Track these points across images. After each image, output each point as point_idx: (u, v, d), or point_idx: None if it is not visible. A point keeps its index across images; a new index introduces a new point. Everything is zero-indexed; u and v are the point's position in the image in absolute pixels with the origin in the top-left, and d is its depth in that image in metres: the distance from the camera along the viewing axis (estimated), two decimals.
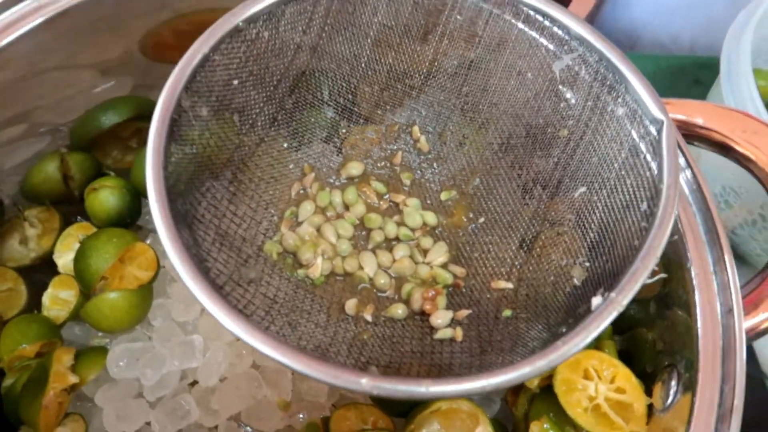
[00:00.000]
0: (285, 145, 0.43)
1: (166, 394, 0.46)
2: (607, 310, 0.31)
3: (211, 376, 0.46)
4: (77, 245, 0.48)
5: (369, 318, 0.38)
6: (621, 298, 0.31)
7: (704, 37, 0.77)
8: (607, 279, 0.35)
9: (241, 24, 0.38)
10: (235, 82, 0.39)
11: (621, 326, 0.45)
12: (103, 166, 0.54)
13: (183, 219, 0.34)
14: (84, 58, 0.51)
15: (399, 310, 0.39)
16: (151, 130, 0.33)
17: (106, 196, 0.49)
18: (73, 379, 0.43)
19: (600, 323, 0.30)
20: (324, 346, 0.35)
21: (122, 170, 0.54)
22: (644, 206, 0.36)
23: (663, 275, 0.39)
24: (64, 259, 0.49)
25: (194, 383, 0.47)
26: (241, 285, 0.35)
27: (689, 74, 0.82)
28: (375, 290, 0.40)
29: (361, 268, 0.40)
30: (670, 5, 0.61)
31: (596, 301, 0.32)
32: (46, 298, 0.48)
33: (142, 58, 0.54)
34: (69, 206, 0.52)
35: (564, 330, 0.33)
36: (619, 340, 0.45)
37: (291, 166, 0.43)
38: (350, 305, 0.38)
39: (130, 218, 0.51)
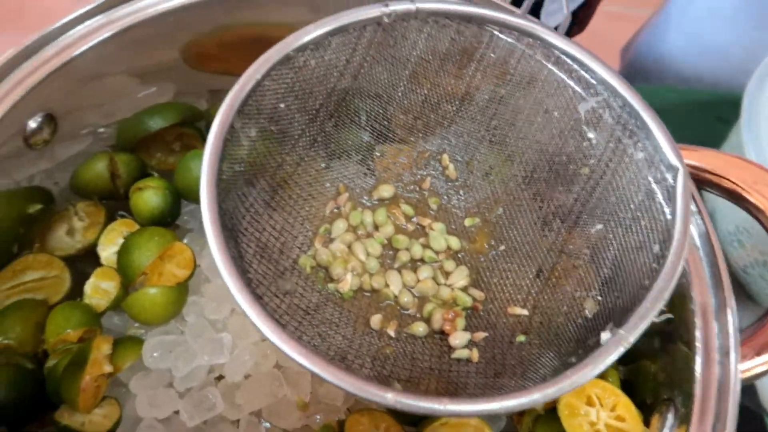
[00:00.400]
0: (323, 165, 0.46)
1: (195, 386, 0.48)
2: (615, 345, 0.33)
3: (237, 373, 0.48)
4: (120, 240, 0.51)
5: (392, 333, 0.41)
6: (629, 335, 0.33)
7: (726, 81, 0.79)
8: (616, 314, 0.37)
9: (291, 52, 0.41)
10: (282, 105, 0.42)
11: (625, 357, 0.47)
12: (148, 167, 0.57)
13: (230, 232, 0.37)
14: (132, 67, 0.55)
15: (420, 328, 0.42)
16: (206, 149, 0.36)
17: (150, 196, 0.52)
18: (107, 368, 0.47)
19: (608, 357, 0.33)
20: (350, 357, 0.38)
21: (164, 171, 0.57)
22: (656, 248, 0.38)
23: (669, 316, 0.41)
24: (107, 251, 0.52)
25: (220, 378, 0.50)
26: (277, 296, 0.38)
27: (712, 110, 0.84)
28: (399, 307, 0.43)
29: (387, 285, 0.43)
30: (697, 45, 0.63)
31: (605, 335, 0.34)
32: (88, 287, 0.50)
33: (183, 67, 0.57)
34: (114, 202, 0.55)
35: (574, 360, 0.36)
36: (623, 370, 0.48)
37: (327, 185, 0.46)
38: (375, 320, 0.41)
39: (171, 218, 0.53)
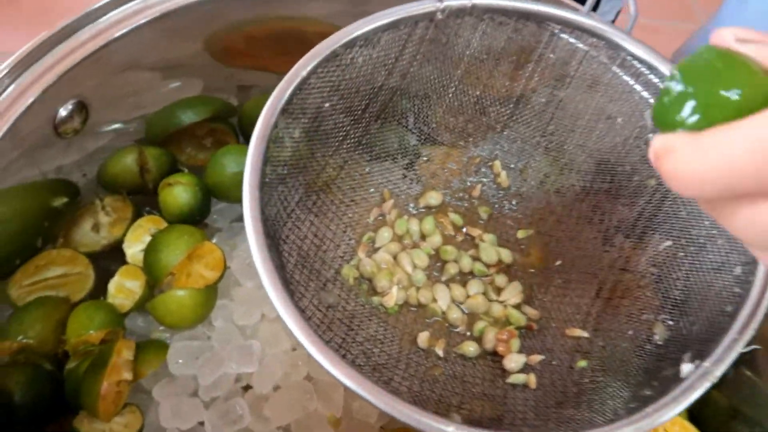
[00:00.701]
0: (367, 169, 0.43)
1: (221, 395, 0.46)
2: (700, 380, 0.30)
3: (265, 383, 0.46)
4: (147, 237, 0.49)
5: (440, 353, 0.38)
6: (715, 369, 0.30)
7: None
8: (693, 343, 0.34)
9: (339, 48, 0.38)
10: (327, 105, 0.39)
11: None
12: (178, 162, 0.54)
13: (272, 240, 0.34)
14: (163, 58, 0.52)
15: (471, 348, 0.38)
16: (249, 150, 0.33)
17: (179, 192, 0.49)
18: (127, 375, 0.44)
19: (692, 393, 0.29)
20: (396, 379, 0.35)
21: (195, 167, 0.54)
22: (737, 271, 0.35)
23: (756, 347, 0.38)
24: (133, 249, 0.50)
25: (248, 388, 0.47)
26: (320, 309, 0.35)
27: None
28: (447, 324, 0.40)
29: (434, 300, 0.40)
30: None
31: (687, 368, 0.31)
32: (112, 286, 0.48)
33: (211, 61, 0.54)
34: (142, 197, 0.53)
35: (648, 393, 0.32)
36: None
37: (371, 191, 0.43)
38: (423, 338, 0.38)
39: (200, 216, 0.51)
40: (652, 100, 0.41)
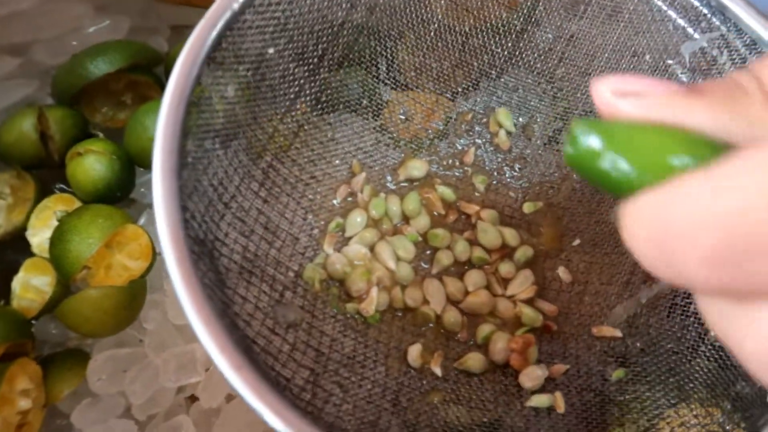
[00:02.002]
0: (329, 134, 0.33)
1: (159, 412, 0.38)
2: None
3: (214, 395, 0.38)
4: (55, 221, 0.39)
5: (438, 372, 0.29)
6: None
7: None
8: None
9: None
10: (271, 50, 0.29)
11: None
12: (90, 125, 0.44)
13: (202, 245, 0.24)
14: None
15: (476, 361, 0.30)
16: (159, 120, 0.23)
17: (92, 164, 0.40)
18: (24, 404, 0.35)
19: None
20: (385, 418, 0.26)
21: (113, 131, 0.45)
22: None
23: None
24: (40, 237, 0.40)
25: (193, 398, 0.39)
26: (277, 333, 0.26)
27: None
28: (443, 332, 0.31)
29: (425, 302, 0.31)
30: None
31: None
32: (17, 284, 0.39)
33: None
34: (47, 172, 0.43)
35: (720, 419, 0.24)
36: None
37: (336, 163, 0.33)
38: (414, 353, 0.30)
39: (121, 191, 0.41)
40: (690, 30, 0.32)
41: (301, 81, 0.32)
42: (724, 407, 0.25)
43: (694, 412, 0.26)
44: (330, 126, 0.33)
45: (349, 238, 0.32)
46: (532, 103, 0.35)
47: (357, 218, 0.32)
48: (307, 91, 0.32)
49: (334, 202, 0.33)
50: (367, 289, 0.30)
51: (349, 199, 0.33)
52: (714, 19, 0.32)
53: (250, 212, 0.29)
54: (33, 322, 0.39)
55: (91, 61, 0.41)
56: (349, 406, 0.26)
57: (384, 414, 0.26)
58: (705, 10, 0.32)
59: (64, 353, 0.39)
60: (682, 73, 0.33)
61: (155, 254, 0.39)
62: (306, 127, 0.33)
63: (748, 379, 0.25)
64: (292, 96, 0.31)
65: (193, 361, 0.38)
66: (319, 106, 0.33)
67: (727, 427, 0.24)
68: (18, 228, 0.41)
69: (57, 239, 0.37)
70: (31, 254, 0.40)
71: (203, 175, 0.26)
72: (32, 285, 0.39)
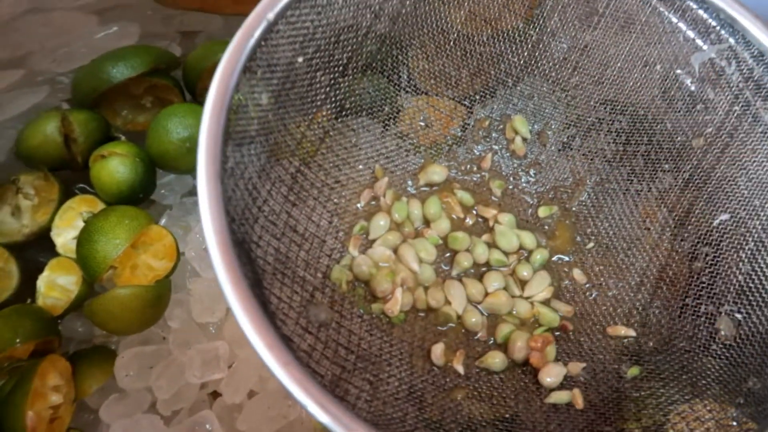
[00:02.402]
0: (353, 140, 0.34)
1: (184, 407, 0.39)
2: None
3: (237, 391, 0.38)
4: (79, 222, 0.40)
5: (460, 369, 0.30)
6: None
7: None
8: None
9: None
10: (300, 59, 0.30)
11: None
12: (112, 128, 0.45)
13: (241, 247, 0.25)
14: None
15: (497, 359, 0.31)
16: (202, 128, 0.24)
17: (115, 166, 0.40)
18: (55, 399, 0.35)
19: None
20: (412, 413, 0.27)
21: (133, 134, 0.46)
22: None
23: None
24: (64, 237, 0.41)
25: (216, 395, 0.40)
26: (310, 332, 0.27)
27: None
28: (464, 331, 0.33)
29: (447, 302, 0.32)
30: None
31: None
32: (42, 283, 0.40)
33: (146, 2, 0.46)
34: (70, 173, 0.43)
35: (734, 413, 0.26)
36: None
37: (360, 168, 0.34)
38: (437, 352, 0.31)
39: (144, 192, 0.42)
40: (700, 42, 0.34)
41: (327, 88, 0.33)
42: (738, 402, 0.26)
43: (708, 407, 0.27)
44: (354, 132, 0.34)
45: (373, 241, 0.33)
46: (546, 110, 0.37)
47: (380, 221, 0.33)
48: (333, 98, 0.33)
49: (358, 205, 0.34)
50: (391, 290, 0.32)
51: (373, 202, 0.34)
52: (723, 32, 0.33)
53: (280, 215, 0.30)
54: (59, 320, 0.40)
55: (112, 66, 0.42)
56: (378, 402, 0.27)
57: (411, 410, 0.27)
58: (714, 23, 0.33)
59: (92, 350, 0.40)
60: (691, 83, 0.34)
61: (179, 254, 0.40)
62: (331, 133, 0.34)
63: (759, 375, 0.26)
64: (318, 103, 0.33)
65: (216, 357, 0.39)
66: (343, 113, 0.34)
67: (741, 422, 0.25)
68: (43, 228, 0.41)
69: (84, 240, 0.38)
70: (56, 254, 0.41)
71: (240, 180, 0.27)
72: (57, 284, 0.40)
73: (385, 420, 0.26)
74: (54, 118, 0.42)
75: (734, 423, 0.25)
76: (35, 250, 0.42)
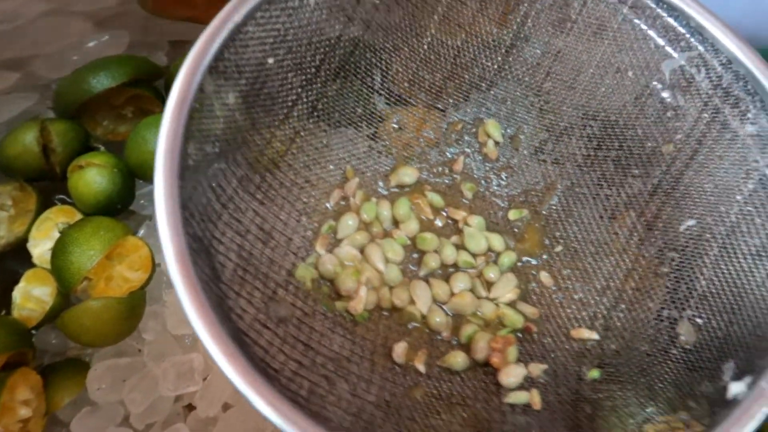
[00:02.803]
0: (324, 141, 0.35)
1: (157, 420, 0.38)
2: (756, 403, 0.23)
3: (212, 404, 0.38)
4: (56, 233, 0.40)
5: (421, 369, 0.31)
6: None
7: (750, 22, 0.67)
8: (737, 350, 0.27)
9: None
10: (270, 60, 0.31)
11: None
12: (92, 138, 0.45)
13: (200, 242, 0.26)
14: (77, 4, 0.43)
15: (458, 359, 0.31)
16: (163, 124, 0.25)
17: (93, 177, 0.41)
18: (24, 413, 0.35)
19: (748, 421, 0.23)
20: (368, 410, 0.28)
21: (114, 144, 0.46)
22: None
23: None
24: (41, 248, 0.41)
25: (191, 407, 0.39)
26: (268, 327, 0.28)
27: None
28: (428, 331, 0.33)
29: (412, 302, 0.33)
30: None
31: (736, 388, 0.25)
32: (18, 294, 0.40)
33: (140, 11, 0.46)
34: (48, 184, 0.43)
35: (684, 417, 0.26)
36: None
37: (331, 168, 0.35)
38: (399, 351, 0.31)
39: (121, 203, 0.42)
40: (670, 50, 0.34)
41: (299, 90, 0.33)
42: (689, 405, 0.26)
43: (661, 411, 0.27)
44: (325, 133, 0.35)
45: (341, 240, 0.34)
46: (519, 114, 0.37)
47: (349, 221, 0.34)
48: (304, 100, 0.34)
49: (328, 205, 0.34)
50: (356, 289, 0.32)
51: (342, 202, 0.35)
52: (693, 39, 0.33)
53: (246, 213, 0.30)
54: (33, 331, 0.39)
55: (93, 76, 0.42)
56: (334, 398, 0.27)
57: (367, 406, 0.28)
58: (684, 31, 0.33)
59: (64, 363, 0.40)
60: (662, 90, 0.35)
61: (155, 266, 0.40)
62: (302, 134, 0.34)
63: (712, 380, 0.27)
64: (289, 104, 0.33)
65: (191, 370, 0.39)
66: (315, 114, 0.35)
67: (689, 424, 0.25)
68: (19, 239, 0.41)
69: (59, 251, 0.38)
70: (32, 265, 0.41)
71: (203, 177, 0.27)
72: (33, 295, 0.40)
73: (339, 415, 0.26)
74: (33, 128, 0.41)
75: (683, 426, 0.25)
76: (12, 261, 0.42)
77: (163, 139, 0.25)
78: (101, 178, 0.40)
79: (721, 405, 0.24)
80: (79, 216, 0.41)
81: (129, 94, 0.45)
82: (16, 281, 0.40)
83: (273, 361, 0.26)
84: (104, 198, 0.40)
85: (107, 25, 0.47)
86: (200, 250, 0.26)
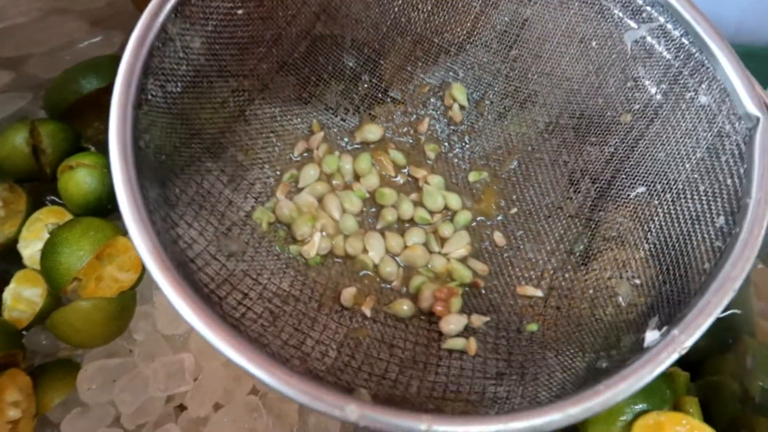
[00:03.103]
0: (293, 95, 0.36)
1: (149, 421, 0.39)
2: (665, 350, 0.24)
3: (202, 404, 0.38)
4: (47, 234, 0.40)
5: (368, 313, 0.32)
6: (684, 338, 0.24)
7: (752, 21, 0.67)
8: (663, 306, 0.28)
9: None
10: (240, 11, 0.32)
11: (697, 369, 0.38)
12: (83, 138, 0.45)
13: (153, 171, 0.27)
14: (72, 4, 0.44)
15: (404, 306, 0.33)
16: (123, 60, 0.27)
17: (83, 177, 0.40)
18: (13, 414, 0.35)
19: (655, 367, 0.24)
20: (309, 343, 0.29)
21: (104, 144, 0.45)
22: (720, 221, 0.29)
23: (735, 311, 0.33)
24: (31, 249, 0.41)
25: (182, 407, 0.39)
26: (217, 259, 0.29)
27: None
28: (379, 279, 0.34)
29: (365, 251, 0.34)
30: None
31: (651, 336, 0.25)
32: (8, 295, 0.40)
33: (134, 11, 0.46)
34: (38, 184, 0.44)
35: (604, 365, 0.27)
36: (693, 388, 0.37)
37: (297, 121, 0.36)
38: (347, 295, 0.32)
39: (111, 204, 0.42)
40: (632, 23, 0.35)
41: (270, 43, 0.35)
42: (611, 355, 0.27)
43: (586, 361, 0.28)
44: (294, 87, 0.36)
45: (302, 189, 0.35)
46: (486, 79, 0.38)
47: (310, 171, 0.35)
48: (275, 54, 0.35)
49: (292, 156, 0.36)
50: (310, 234, 0.33)
51: (306, 154, 0.36)
52: (653, 11, 0.34)
53: (206, 154, 0.32)
54: (24, 332, 0.39)
55: (83, 77, 0.42)
56: (275, 329, 0.29)
57: (308, 340, 0.29)
58: (645, 4, 0.34)
59: (55, 363, 0.40)
60: (623, 60, 0.35)
61: (145, 267, 0.40)
62: (271, 86, 0.36)
63: (636, 332, 0.28)
64: (259, 56, 0.35)
65: (181, 370, 0.39)
66: (285, 69, 0.36)
67: (605, 365, 0.26)
68: (9, 240, 0.41)
69: (48, 252, 0.37)
70: (22, 266, 0.41)
71: (164, 113, 0.29)
72: (23, 296, 0.40)
73: (278, 345, 0.28)
74: (22, 129, 0.41)
75: (602, 372, 0.26)
76: (2, 262, 0.42)
77: (121, 72, 0.26)
78: (91, 178, 0.40)
79: (638, 353, 0.25)
80: (69, 216, 0.41)
81: None
82: (7, 282, 0.40)
83: (218, 289, 0.28)
84: (94, 198, 0.41)
85: (101, 25, 0.47)
86: (154, 180, 0.27)
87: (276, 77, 0.36)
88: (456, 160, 0.38)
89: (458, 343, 0.31)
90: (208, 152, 0.32)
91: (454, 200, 0.36)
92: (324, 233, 0.34)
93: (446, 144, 0.38)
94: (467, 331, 0.32)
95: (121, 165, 0.25)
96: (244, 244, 0.31)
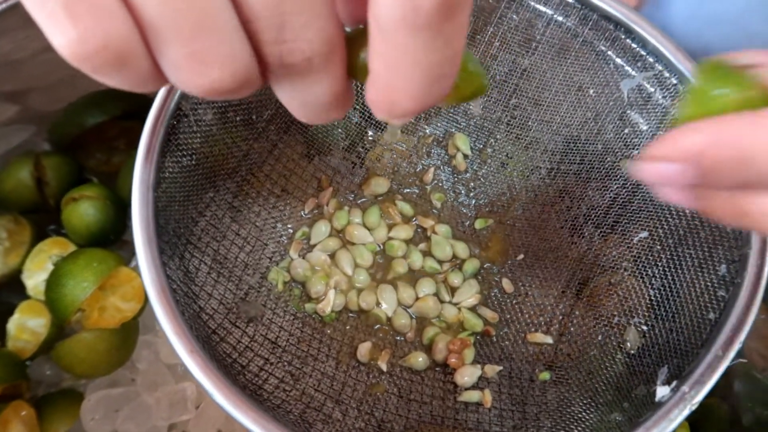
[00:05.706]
0: (301, 152, 0.37)
1: None
2: (677, 407, 0.25)
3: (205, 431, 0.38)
4: (50, 264, 0.40)
5: (384, 367, 0.33)
6: (694, 394, 0.25)
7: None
8: (672, 356, 0.29)
9: None
10: None
11: None
12: (86, 170, 0.46)
13: (174, 246, 0.28)
14: None
15: (419, 359, 0.34)
16: (142, 138, 0.27)
17: (86, 209, 0.41)
18: None
19: (668, 424, 0.25)
20: (329, 405, 0.30)
21: (106, 175, 0.46)
22: (722, 270, 0.30)
23: (743, 360, 0.34)
24: (35, 279, 0.41)
25: None
26: (238, 326, 0.30)
27: None
28: (392, 332, 0.35)
29: (378, 304, 0.35)
30: (703, 14, 0.53)
31: (662, 391, 0.26)
32: (12, 326, 0.40)
33: None
34: (42, 216, 0.44)
35: (618, 418, 0.28)
36: None
37: (306, 177, 0.37)
38: (363, 350, 0.33)
39: (114, 234, 0.43)
40: (628, 69, 0.36)
41: (277, 104, 0.36)
42: (623, 407, 0.28)
43: (600, 412, 0.29)
44: (302, 144, 0.37)
45: (314, 246, 0.36)
46: (487, 128, 0.39)
47: (322, 228, 0.36)
48: (282, 113, 0.36)
49: (302, 213, 0.37)
50: (325, 291, 0.34)
51: (316, 210, 0.37)
52: (649, 60, 0.35)
53: (223, 219, 0.33)
54: (28, 363, 0.40)
55: (86, 110, 0.43)
56: (297, 392, 0.29)
57: (328, 401, 0.30)
58: (642, 52, 0.35)
59: (58, 394, 0.40)
60: (621, 107, 0.36)
61: (147, 297, 0.40)
62: (280, 145, 0.37)
63: (647, 383, 0.28)
64: (267, 117, 0.36)
65: (184, 399, 0.39)
66: (293, 127, 0.37)
67: (619, 424, 0.27)
68: (14, 271, 0.42)
69: (53, 283, 0.38)
70: (26, 296, 0.41)
71: (181, 187, 0.30)
72: (27, 327, 0.40)
73: (300, 408, 0.29)
74: (27, 163, 0.42)
75: (615, 426, 0.27)
76: (7, 293, 0.42)
77: (140, 154, 0.27)
78: (94, 210, 0.41)
79: (650, 407, 0.26)
80: (72, 247, 0.42)
81: (121, 127, 0.46)
82: (11, 312, 0.40)
83: (240, 357, 0.29)
84: (97, 230, 0.41)
85: None
86: (174, 255, 0.28)
87: (284, 137, 0.36)
88: (462, 208, 0.39)
89: (474, 395, 0.32)
90: (224, 217, 0.33)
91: (462, 248, 0.37)
92: (338, 289, 0.35)
93: (451, 193, 0.39)
94: (482, 381, 0.33)
95: (145, 246, 0.26)
96: (262, 307, 0.32)
